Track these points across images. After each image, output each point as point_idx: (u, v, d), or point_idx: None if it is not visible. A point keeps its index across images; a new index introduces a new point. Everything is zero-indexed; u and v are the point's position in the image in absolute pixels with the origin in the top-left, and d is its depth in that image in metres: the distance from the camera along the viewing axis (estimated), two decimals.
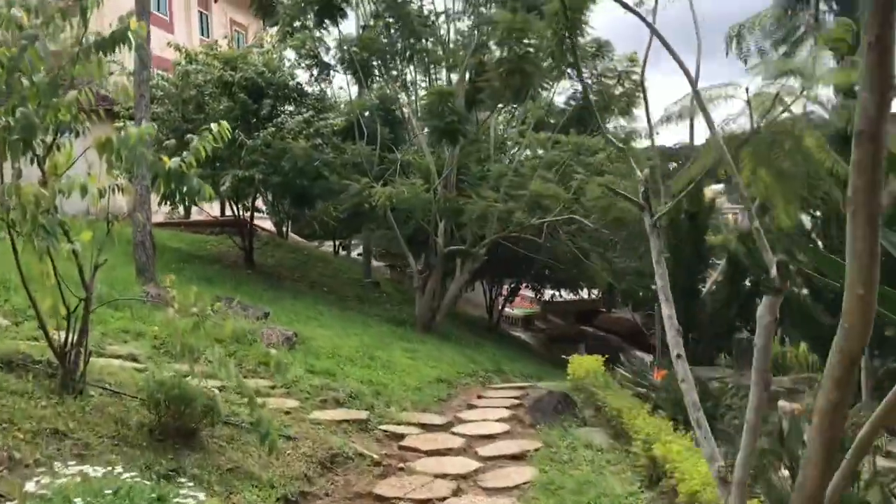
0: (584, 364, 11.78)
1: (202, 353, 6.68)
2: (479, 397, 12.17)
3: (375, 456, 8.32)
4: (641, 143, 18.69)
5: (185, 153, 6.40)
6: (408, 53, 21.00)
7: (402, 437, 9.24)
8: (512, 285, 27.76)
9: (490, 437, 9.36)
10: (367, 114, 22.90)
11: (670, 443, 7.37)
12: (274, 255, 25.37)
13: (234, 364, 7.06)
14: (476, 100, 20.04)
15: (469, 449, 8.86)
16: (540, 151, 20.94)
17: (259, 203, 25.47)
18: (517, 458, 8.57)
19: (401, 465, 8.23)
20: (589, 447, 9.05)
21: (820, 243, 11.68)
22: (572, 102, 30.35)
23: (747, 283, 13.90)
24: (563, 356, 26.15)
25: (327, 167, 20.17)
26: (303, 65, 23.06)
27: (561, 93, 30.17)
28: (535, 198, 17.80)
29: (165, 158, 6.29)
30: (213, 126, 6.56)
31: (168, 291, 6.33)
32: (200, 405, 6.55)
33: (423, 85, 21.53)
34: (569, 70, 27.54)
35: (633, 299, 22.98)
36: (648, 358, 21.65)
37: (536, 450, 8.82)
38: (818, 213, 11.93)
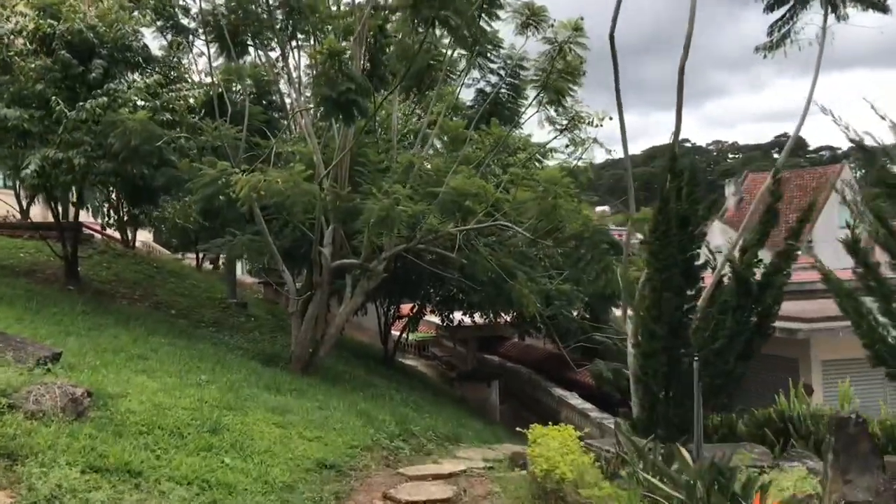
0: (551, 446, 7.37)
1: None
2: (387, 499, 7.59)
3: None
4: (590, 131, 14.71)
5: None
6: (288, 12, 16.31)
7: None
8: (414, 309, 23.25)
9: None
10: (236, 87, 18.25)
11: None
12: (111, 268, 19.94)
13: None
14: (377, 65, 15.57)
15: None
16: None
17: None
18: None
19: None
20: None
21: None
22: (487, 89, 26.70)
23: (751, 310, 9.95)
24: (472, 398, 22.52)
25: (177, 151, 15.19)
26: (154, 26, 18.02)
27: (471, 84, 26.52)
28: (453, 197, 13.46)
29: None
30: None
31: None
32: None
33: (308, 50, 16.85)
34: (479, 59, 23.89)
35: (557, 327, 18.97)
36: (605, 418, 17.65)
37: None
38: None
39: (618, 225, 12.29)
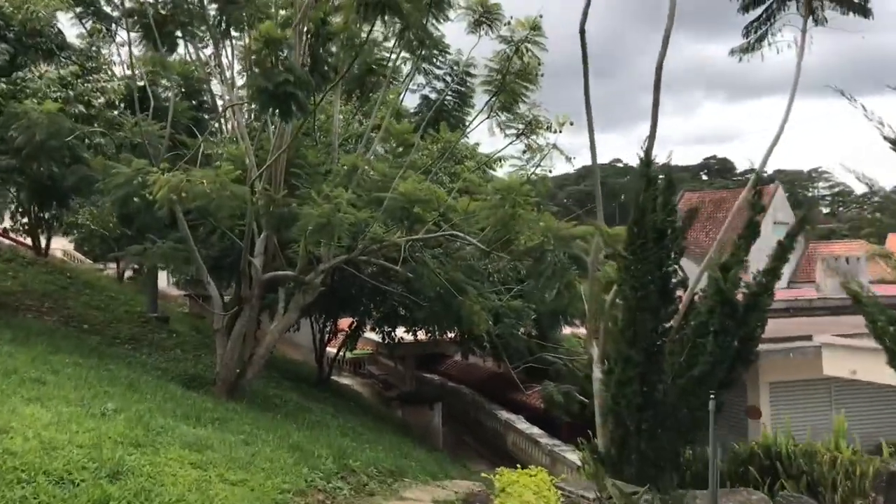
0: (526, 498, 6.13)
1: None
2: None
3: None
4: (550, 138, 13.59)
5: None
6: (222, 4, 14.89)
7: None
8: (353, 325, 21.80)
9: None
10: (163, 83, 16.69)
11: None
12: (17, 277, 18.03)
13: None
14: (318, 61, 14.26)
15: None
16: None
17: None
18: None
19: None
20: None
21: None
22: (433, 95, 25.58)
23: (735, 334, 8.92)
24: (414, 422, 21.10)
25: (93, 148, 13.62)
26: (72, 12, 16.42)
27: (416, 90, 25.40)
28: (402, 204, 12.22)
29: None
30: None
31: None
32: None
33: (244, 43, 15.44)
34: (425, 64, 22.80)
35: (504, 346, 17.83)
36: (556, 445, 16.55)
37: None
38: None
39: (582, 237, 11.24)
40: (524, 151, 13.08)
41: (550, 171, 12.60)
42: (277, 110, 11.98)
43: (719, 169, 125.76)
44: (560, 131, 12.83)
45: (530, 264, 11.60)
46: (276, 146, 13.33)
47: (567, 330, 21.29)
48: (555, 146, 12.57)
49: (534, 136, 13.24)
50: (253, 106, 16.26)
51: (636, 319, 8.82)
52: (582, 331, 23.10)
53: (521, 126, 13.39)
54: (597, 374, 10.18)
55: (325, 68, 15.61)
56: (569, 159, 12.65)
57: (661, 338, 9.00)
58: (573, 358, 18.57)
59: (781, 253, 8.69)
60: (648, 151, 9.35)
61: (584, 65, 10.06)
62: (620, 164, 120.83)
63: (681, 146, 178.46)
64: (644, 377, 8.83)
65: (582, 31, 9.88)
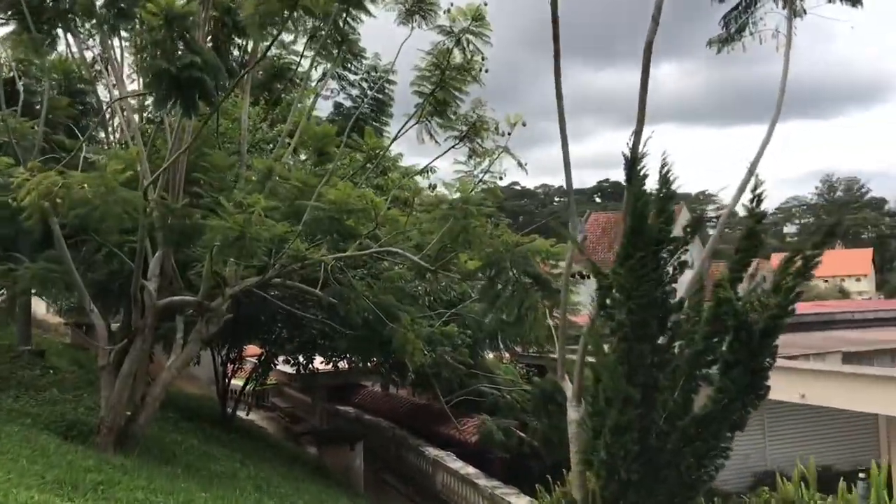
0: None
1: None
2: None
3: None
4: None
5: None
6: None
7: None
8: (262, 356, 19.50)
9: None
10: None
11: None
12: None
13: None
14: (224, 55, 12.27)
15: None
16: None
17: None
18: None
19: None
20: None
21: None
22: (346, 103, 23.72)
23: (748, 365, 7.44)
24: (333, 464, 18.89)
25: None
26: None
27: (329, 96, 23.53)
28: (331, 214, 10.32)
29: None
30: None
31: None
32: None
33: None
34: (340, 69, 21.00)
35: (437, 377, 16.05)
36: (497, 487, 14.77)
37: None
38: None
39: (545, 253, 9.62)
40: (469, 156, 11.41)
41: (501, 178, 10.97)
42: (179, 101, 9.88)
43: (612, 192, 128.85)
44: (509, 134, 11.21)
45: (484, 285, 9.92)
46: (175, 146, 11.16)
47: (491, 355, 19.72)
48: (506, 149, 10.92)
49: (479, 140, 11.55)
50: (148, 102, 14.07)
51: (632, 350, 7.23)
52: (507, 356, 21.65)
53: (463, 128, 11.70)
54: (572, 414, 8.54)
55: (231, 62, 13.69)
56: (521, 165, 11.06)
57: (660, 373, 7.44)
58: (509, 388, 17.00)
59: (805, 268, 7.32)
60: (636, 147, 7.82)
61: (555, 59, 8.49)
62: (518, 188, 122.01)
63: (575, 170, 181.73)
64: (643, 421, 7.23)
65: (555, 21, 8.33)
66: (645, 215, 7.30)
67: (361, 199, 10.10)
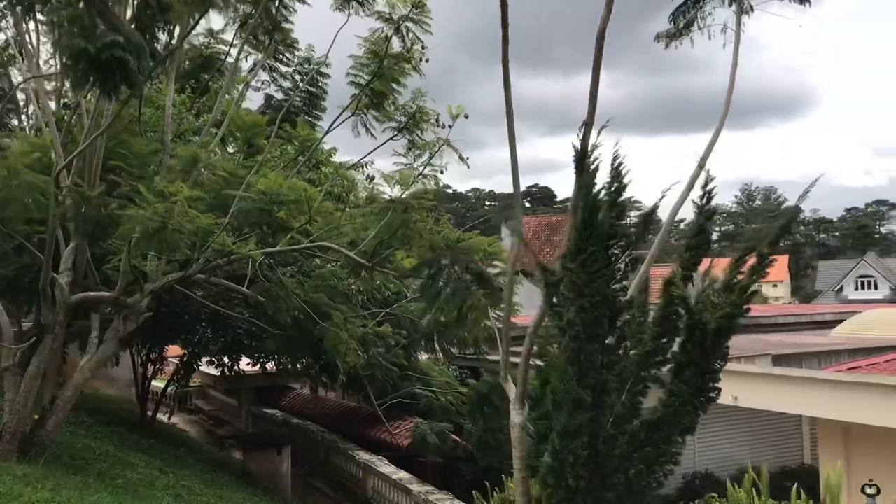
0: None
1: None
2: None
3: None
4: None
5: None
6: None
7: None
8: (185, 357, 18.55)
9: None
10: None
11: None
12: None
13: None
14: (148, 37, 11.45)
15: None
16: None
17: None
18: None
19: None
20: None
21: None
22: (278, 95, 22.98)
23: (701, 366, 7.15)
24: (259, 470, 17.88)
25: None
26: None
27: (259, 87, 22.76)
28: (261, 205, 9.69)
29: None
30: None
31: None
32: None
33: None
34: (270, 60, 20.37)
35: (371, 380, 15.48)
36: (431, 492, 14.30)
37: None
38: None
39: (484, 252, 9.18)
40: (409, 149, 10.91)
41: (442, 172, 10.51)
42: (98, 83, 9.10)
43: (541, 197, 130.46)
44: (450, 127, 10.76)
45: (423, 283, 9.43)
46: (90, 132, 10.33)
47: (424, 356, 19.24)
48: (447, 142, 10.46)
49: (418, 132, 11.07)
50: (65, 86, 13.18)
51: (583, 351, 6.87)
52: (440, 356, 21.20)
53: (402, 119, 11.21)
54: (515, 418, 8.13)
55: (156, 45, 12.89)
56: (463, 159, 10.61)
57: (609, 374, 7.10)
58: (443, 391, 16.56)
59: (760, 267, 7.09)
60: (586, 138, 7.46)
61: (503, 43, 8.07)
62: (450, 191, 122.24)
63: (506, 175, 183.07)
64: (594, 425, 6.88)
65: (503, 3, 7.91)
66: (597, 208, 6.96)
67: (293, 190, 9.51)
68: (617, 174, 7.28)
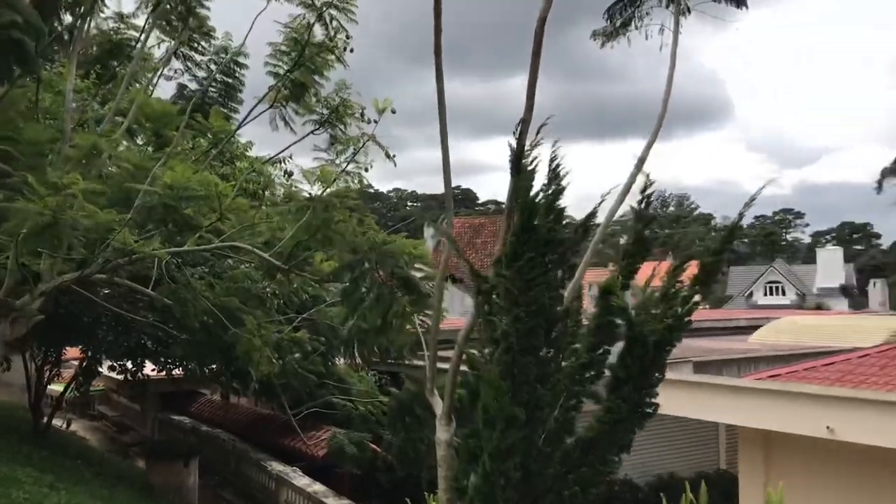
0: None
1: None
2: None
3: None
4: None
5: None
6: None
7: None
8: (84, 361, 17.31)
9: None
10: None
11: None
12: None
13: None
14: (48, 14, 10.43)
15: None
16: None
17: None
18: None
19: None
20: None
21: None
22: (192, 86, 21.86)
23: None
24: (163, 483, 16.68)
25: None
26: None
27: (172, 77, 21.55)
28: (167, 200, 8.88)
29: None
30: None
31: None
32: None
33: None
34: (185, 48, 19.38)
35: (286, 387, 14.71)
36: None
37: None
38: None
39: (408, 255, 8.58)
40: (331, 143, 10.26)
41: (367, 169, 9.89)
42: None
43: (463, 198, 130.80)
44: (376, 122, 10.15)
45: (345, 287, 8.78)
46: None
47: (340, 361, 18.52)
48: (372, 138, 9.84)
49: (341, 126, 10.42)
50: None
51: (516, 364, 6.37)
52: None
53: (324, 111, 10.54)
54: (442, 434, 7.59)
55: (57, 26, 11.93)
56: (389, 156, 10.01)
57: (543, 388, 6.62)
58: (362, 400, 15.90)
59: (706, 277, 6.74)
60: (522, 136, 6.97)
61: (435, 35, 7.52)
62: (371, 191, 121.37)
63: (426, 176, 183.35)
64: (527, 444, 6.39)
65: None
66: (535, 212, 6.47)
67: (203, 185, 8.73)
68: (555, 176, 6.79)
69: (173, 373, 17.27)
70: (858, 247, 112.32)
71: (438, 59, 7.36)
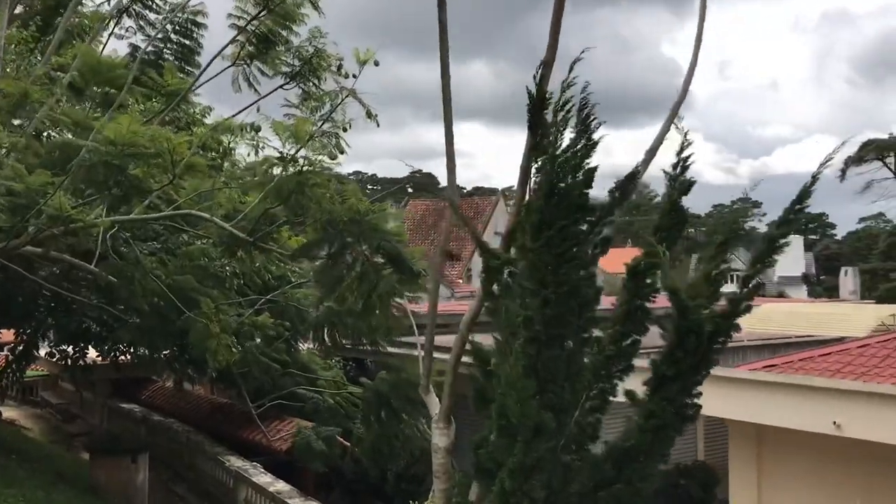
0: None
1: None
2: None
3: None
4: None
5: None
6: None
7: None
8: (20, 343, 15.67)
9: None
10: None
11: None
12: None
13: None
14: None
15: None
16: None
17: None
18: None
19: None
20: None
21: None
22: (147, 46, 20.13)
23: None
24: (109, 481, 15.17)
25: None
26: None
27: (123, 36, 19.82)
28: (109, 157, 7.46)
29: None
30: None
31: None
32: None
33: None
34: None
35: (246, 376, 13.35)
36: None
37: None
38: None
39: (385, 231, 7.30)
40: (304, 100, 8.91)
41: (346, 130, 8.55)
42: None
43: (424, 183, 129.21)
44: (355, 76, 8.81)
45: (322, 263, 7.47)
46: None
47: (304, 345, 17.14)
48: (352, 93, 8.51)
49: (316, 80, 9.07)
50: None
51: (541, 358, 5.18)
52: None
53: (296, 63, 9.17)
54: (439, 440, 6.37)
55: None
56: (371, 115, 8.69)
57: (571, 388, 5.44)
58: (335, 392, 14.62)
59: (767, 253, 5.62)
60: (543, 81, 5.75)
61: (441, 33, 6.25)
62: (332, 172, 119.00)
63: (388, 159, 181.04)
64: (553, 456, 5.21)
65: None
66: (564, 171, 5.26)
67: (154, 141, 7.34)
68: (586, 128, 5.59)
69: (120, 360, 15.75)
70: (814, 236, 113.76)
71: (444, 58, 6.06)
